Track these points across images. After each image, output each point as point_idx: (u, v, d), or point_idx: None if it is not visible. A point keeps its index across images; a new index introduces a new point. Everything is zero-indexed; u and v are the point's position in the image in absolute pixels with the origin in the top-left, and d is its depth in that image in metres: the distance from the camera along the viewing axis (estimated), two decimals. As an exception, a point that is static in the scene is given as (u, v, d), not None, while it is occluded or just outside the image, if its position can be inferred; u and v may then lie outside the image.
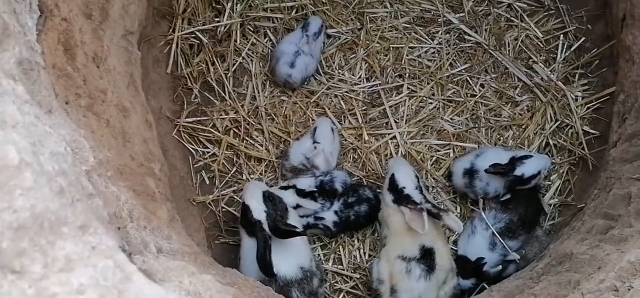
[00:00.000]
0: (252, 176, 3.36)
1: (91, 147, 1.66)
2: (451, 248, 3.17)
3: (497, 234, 2.97)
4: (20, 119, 1.08)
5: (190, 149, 3.40)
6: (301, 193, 3.11)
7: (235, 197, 3.31)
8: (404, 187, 2.94)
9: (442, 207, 3.13)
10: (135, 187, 2.11)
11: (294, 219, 2.86)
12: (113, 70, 2.33)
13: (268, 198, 2.79)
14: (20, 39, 1.33)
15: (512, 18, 3.66)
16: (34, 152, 1.04)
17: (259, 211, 2.70)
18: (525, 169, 2.95)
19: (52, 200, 0.96)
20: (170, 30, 3.50)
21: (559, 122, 3.38)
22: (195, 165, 3.38)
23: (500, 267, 2.95)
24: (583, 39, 3.54)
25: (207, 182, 3.37)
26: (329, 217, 3.15)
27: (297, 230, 2.69)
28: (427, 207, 2.82)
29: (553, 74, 3.50)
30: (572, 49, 3.54)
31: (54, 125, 1.39)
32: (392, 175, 3.02)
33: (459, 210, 3.30)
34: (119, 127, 2.22)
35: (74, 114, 1.90)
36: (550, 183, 3.28)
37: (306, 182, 3.15)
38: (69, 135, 1.43)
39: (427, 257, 2.82)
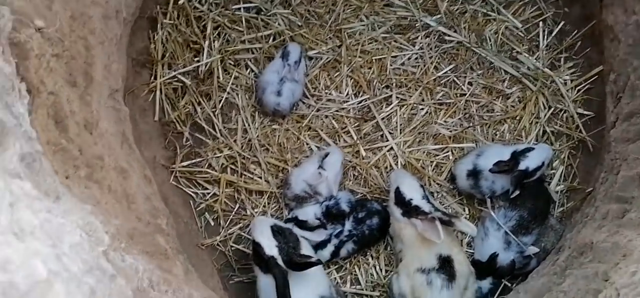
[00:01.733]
0: (255, 210, 3.30)
1: (101, 222, 1.59)
2: (466, 251, 3.16)
3: (510, 233, 2.95)
4: (35, 222, 1.01)
5: (190, 193, 3.33)
6: (304, 225, 3.04)
7: (243, 234, 3.25)
8: (411, 199, 2.89)
9: (452, 213, 3.11)
10: (148, 249, 2.05)
11: (306, 249, 2.80)
12: (106, 133, 2.25)
13: (277, 232, 2.72)
14: (18, 132, 1.27)
15: (489, 12, 3.66)
16: (57, 256, 0.98)
17: (270, 247, 2.63)
18: (529, 162, 2.94)
19: (88, 307, 0.90)
20: (152, 78, 3.43)
21: (552, 108, 3.39)
22: (197, 209, 3.31)
23: (512, 257, 2.93)
24: (562, 22, 3.55)
25: (212, 224, 3.30)
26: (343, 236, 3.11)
27: (313, 260, 2.62)
28: (438, 215, 2.78)
29: (539, 62, 3.51)
30: (553, 34, 3.56)
31: (65, 212, 1.32)
32: (397, 188, 2.97)
33: (467, 212, 3.28)
34: (121, 190, 2.15)
35: (76, 187, 1.83)
36: (553, 170, 3.28)
37: (311, 211, 3.10)
38: (81, 219, 1.37)
39: (445, 265, 2.79)
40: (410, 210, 2.88)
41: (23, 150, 1.19)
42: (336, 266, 3.22)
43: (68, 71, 2.10)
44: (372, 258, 3.23)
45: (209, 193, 3.34)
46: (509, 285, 3.03)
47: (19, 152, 1.16)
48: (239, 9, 3.64)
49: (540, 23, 3.60)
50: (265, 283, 2.67)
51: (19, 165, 1.14)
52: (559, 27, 3.56)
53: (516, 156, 2.97)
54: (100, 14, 2.33)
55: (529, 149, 2.98)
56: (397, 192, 2.97)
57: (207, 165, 3.38)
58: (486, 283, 3.00)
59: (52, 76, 1.94)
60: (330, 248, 3.08)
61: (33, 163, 1.26)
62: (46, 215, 1.13)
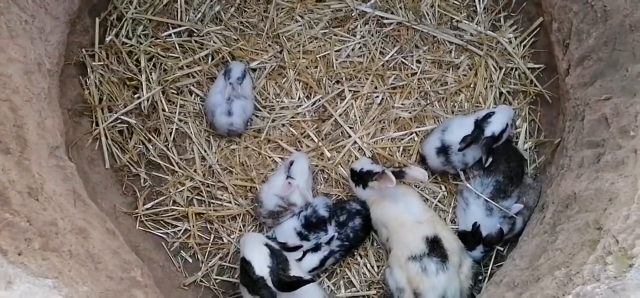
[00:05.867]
0: (232, 236, 3.16)
1: (66, 295, 1.41)
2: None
3: (490, 201, 2.93)
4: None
5: (160, 234, 3.17)
6: (283, 247, 2.86)
7: (224, 263, 3.13)
8: (361, 168, 2.99)
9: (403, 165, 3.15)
10: (125, 309, 1.87)
11: (295, 268, 2.66)
12: (54, 195, 2.04)
13: (271, 251, 2.56)
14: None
15: (420, -14, 3.61)
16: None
17: (261, 266, 2.47)
18: (493, 127, 2.91)
19: None
20: (94, 125, 3.22)
21: (503, 69, 3.40)
22: (171, 249, 3.15)
23: (498, 226, 2.92)
24: (494, -18, 3.57)
25: (191, 261, 3.15)
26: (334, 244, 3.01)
27: (305, 278, 2.49)
28: (389, 170, 2.85)
29: (480, 26, 3.52)
30: (488, -4, 3.58)
31: (22, 296, 1.14)
32: (351, 168, 3.10)
33: (443, 189, 3.24)
34: (83, 252, 1.95)
35: (32, 262, 1.63)
36: (518, 129, 3.30)
37: (289, 226, 2.98)
38: (44, 299, 1.19)
39: (435, 247, 2.75)
40: (363, 176, 2.96)
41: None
42: (327, 273, 3.11)
43: (-3, 139, 1.88)
44: (361, 257, 3.14)
45: (180, 231, 3.17)
46: (502, 249, 3.02)
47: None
48: (170, 35, 3.47)
49: (474, -13, 3.60)
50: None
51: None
52: (493, -13, 3.57)
53: (479, 124, 2.94)
54: (20, 70, 2.11)
55: (490, 114, 2.96)
56: (351, 170, 3.08)
57: (171, 202, 3.21)
58: (477, 252, 2.98)
59: (-21, 148, 1.73)
60: (321, 254, 2.97)
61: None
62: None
